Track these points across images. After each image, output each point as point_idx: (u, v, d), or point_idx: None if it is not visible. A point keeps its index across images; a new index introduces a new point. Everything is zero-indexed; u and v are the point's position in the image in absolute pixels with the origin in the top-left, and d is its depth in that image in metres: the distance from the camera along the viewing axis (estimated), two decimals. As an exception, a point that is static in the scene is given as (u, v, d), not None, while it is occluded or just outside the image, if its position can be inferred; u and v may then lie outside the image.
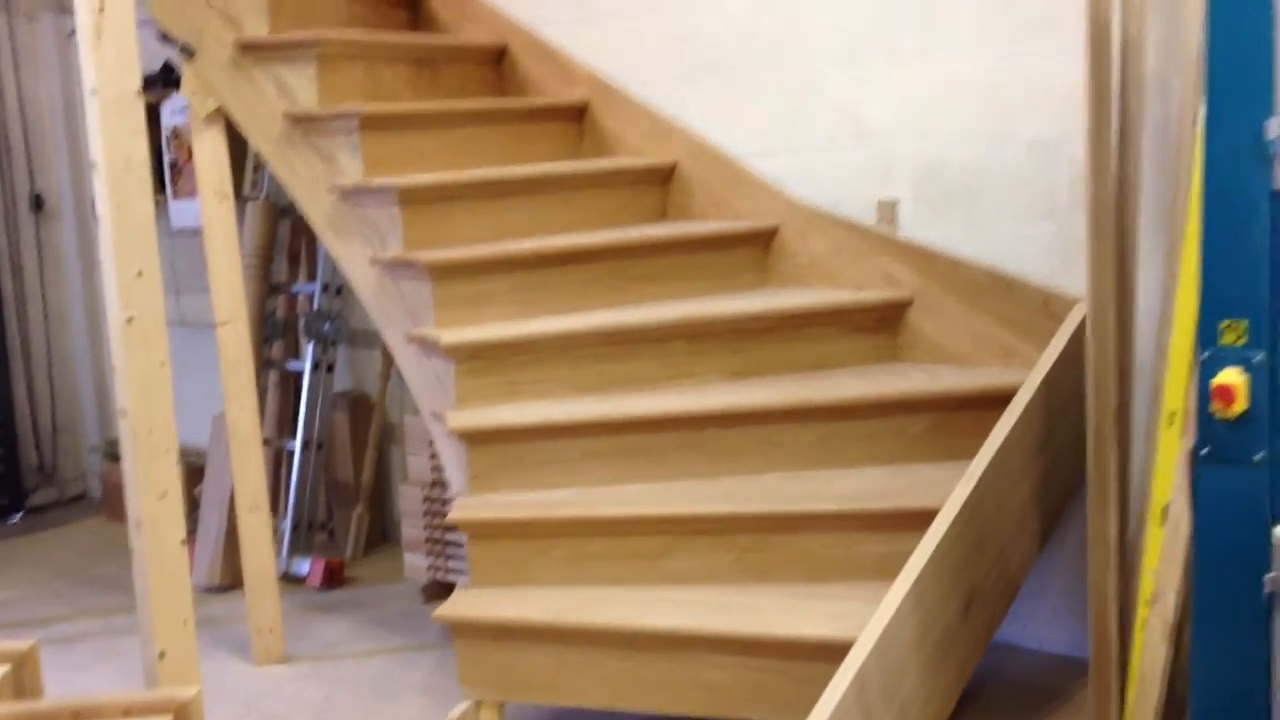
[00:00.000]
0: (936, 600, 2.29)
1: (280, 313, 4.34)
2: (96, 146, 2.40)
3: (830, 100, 3.23)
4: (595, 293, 3.12)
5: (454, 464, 2.92)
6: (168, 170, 4.66)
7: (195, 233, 4.57)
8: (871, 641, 2.12)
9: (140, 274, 2.19)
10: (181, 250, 5.00)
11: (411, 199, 3.02)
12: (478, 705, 2.67)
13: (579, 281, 3.10)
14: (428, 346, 2.96)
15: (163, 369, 2.10)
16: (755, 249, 3.31)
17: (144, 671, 2.41)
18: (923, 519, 2.42)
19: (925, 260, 3.05)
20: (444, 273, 2.95)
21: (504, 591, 2.73)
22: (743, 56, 3.35)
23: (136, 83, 2.46)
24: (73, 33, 3.02)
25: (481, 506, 2.78)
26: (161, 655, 2.16)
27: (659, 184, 3.48)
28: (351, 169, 3.10)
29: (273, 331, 4.29)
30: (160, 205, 4.85)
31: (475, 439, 2.83)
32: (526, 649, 2.62)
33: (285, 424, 4.34)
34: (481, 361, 2.90)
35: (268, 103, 3.14)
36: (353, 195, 3.10)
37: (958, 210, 3.06)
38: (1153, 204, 2.68)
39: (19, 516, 5.32)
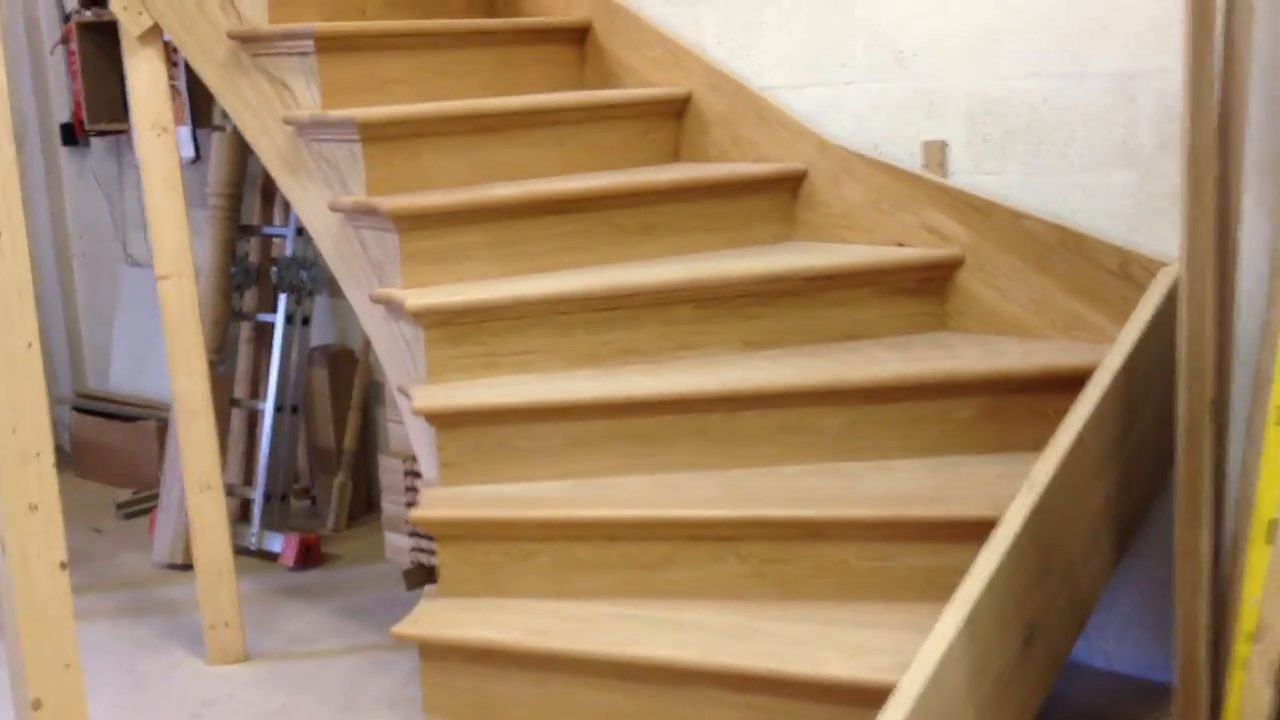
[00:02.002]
0: (993, 635, 1.86)
1: (253, 258, 3.90)
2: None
3: (868, 23, 2.74)
4: (588, 247, 2.68)
5: (424, 449, 2.51)
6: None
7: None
8: (915, 693, 1.70)
9: (-9, 234, 1.75)
10: (134, 186, 4.58)
11: (375, 134, 2.57)
12: (443, 737, 2.27)
13: (569, 234, 2.66)
14: (394, 309, 2.53)
15: (29, 352, 1.68)
16: (779, 196, 2.85)
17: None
18: (975, 530, 2.01)
19: (979, 212, 2.59)
20: (411, 222, 2.51)
21: (477, 604, 2.31)
22: (768, -29, 2.87)
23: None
24: None
25: (452, 502, 2.36)
26: (37, 705, 1.76)
27: (670, 119, 3.02)
28: (307, 98, 2.65)
29: (244, 279, 3.86)
30: (124, 135, 4.42)
31: (446, 421, 2.40)
32: (502, 676, 2.22)
33: (260, 382, 3.93)
34: (455, 328, 2.47)
35: (210, 20, 2.69)
36: (308, 129, 2.65)
37: (1018, 154, 2.59)
38: (1261, 149, 2.21)
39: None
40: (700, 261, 2.66)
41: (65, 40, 4.50)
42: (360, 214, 2.58)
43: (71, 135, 4.79)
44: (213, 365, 3.73)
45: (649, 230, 2.73)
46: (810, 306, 2.61)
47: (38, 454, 1.72)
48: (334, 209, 2.62)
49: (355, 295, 2.68)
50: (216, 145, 3.78)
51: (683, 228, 2.77)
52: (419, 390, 2.44)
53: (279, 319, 3.73)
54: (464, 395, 2.41)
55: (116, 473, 4.57)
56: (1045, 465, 1.98)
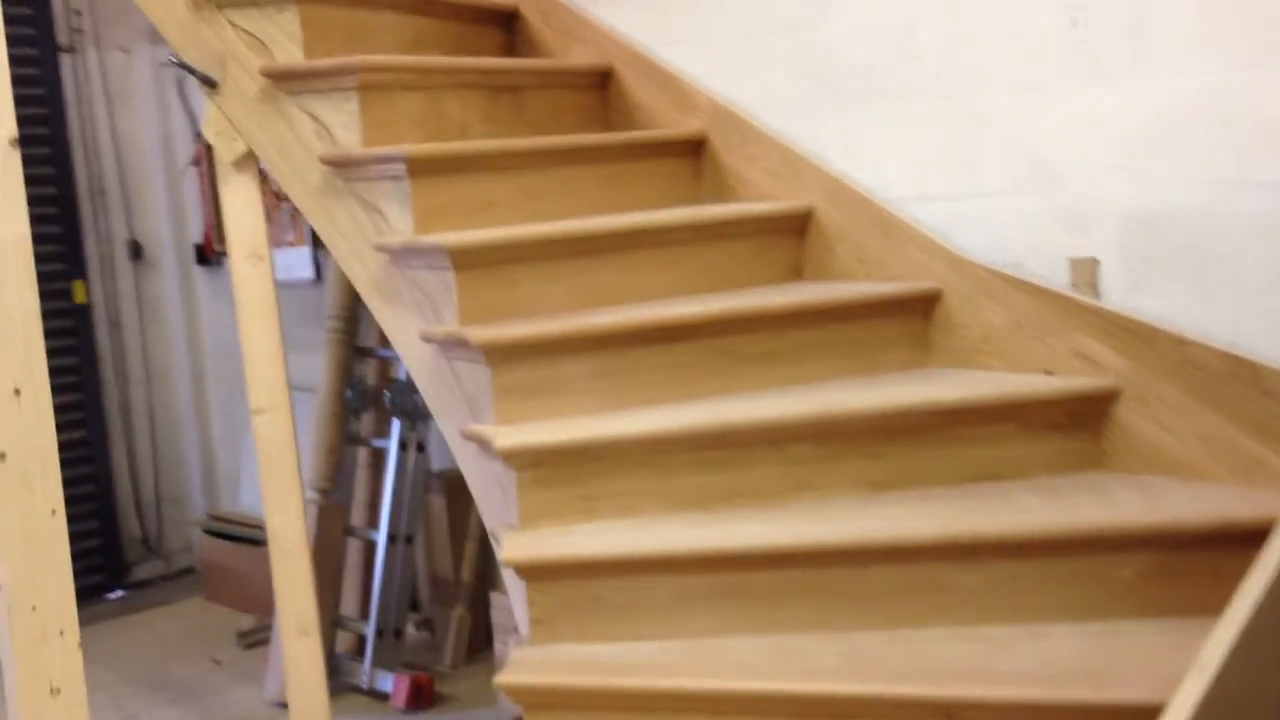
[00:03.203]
0: None
1: (370, 380, 3.79)
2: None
3: (1008, 132, 2.49)
4: (699, 378, 2.45)
5: (517, 599, 2.29)
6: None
7: (289, 285, 4.08)
8: None
9: (17, 392, 1.62)
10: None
11: (467, 260, 2.40)
12: None
13: (678, 363, 2.44)
14: (485, 447, 2.34)
15: (53, 520, 1.53)
16: (910, 319, 2.59)
17: None
18: (1137, 717, 1.69)
19: (1137, 338, 2.29)
20: (503, 354, 2.33)
21: (566, 783, 2.07)
22: (897, 79, 2.64)
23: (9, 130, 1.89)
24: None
25: (541, 666, 2.13)
26: None
27: (791, 236, 2.80)
28: (400, 223, 2.51)
29: (360, 403, 3.74)
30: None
31: (537, 573, 2.18)
32: None
33: (378, 510, 3.78)
34: (549, 469, 2.26)
35: (304, 144, 2.58)
36: (400, 255, 2.50)
37: (1181, 273, 2.29)
38: None
39: (120, 593, 4.92)
40: (820, 393, 2.41)
41: (196, 161, 4.53)
42: (452, 345, 2.41)
43: (204, 255, 4.81)
44: (325, 493, 3.61)
45: (766, 358, 2.50)
46: (945, 443, 2.34)
47: (61, 632, 1.57)
48: (426, 340, 2.46)
49: (449, 430, 2.50)
50: (334, 267, 3.69)
51: (804, 355, 2.53)
52: (509, 538, 2.23)
53: (393, 445, 3.59)
54: (556, 544, 2.19)
55: (244, 598, 4.47)
56: (1217, 645, 1.66)
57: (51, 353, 4.67)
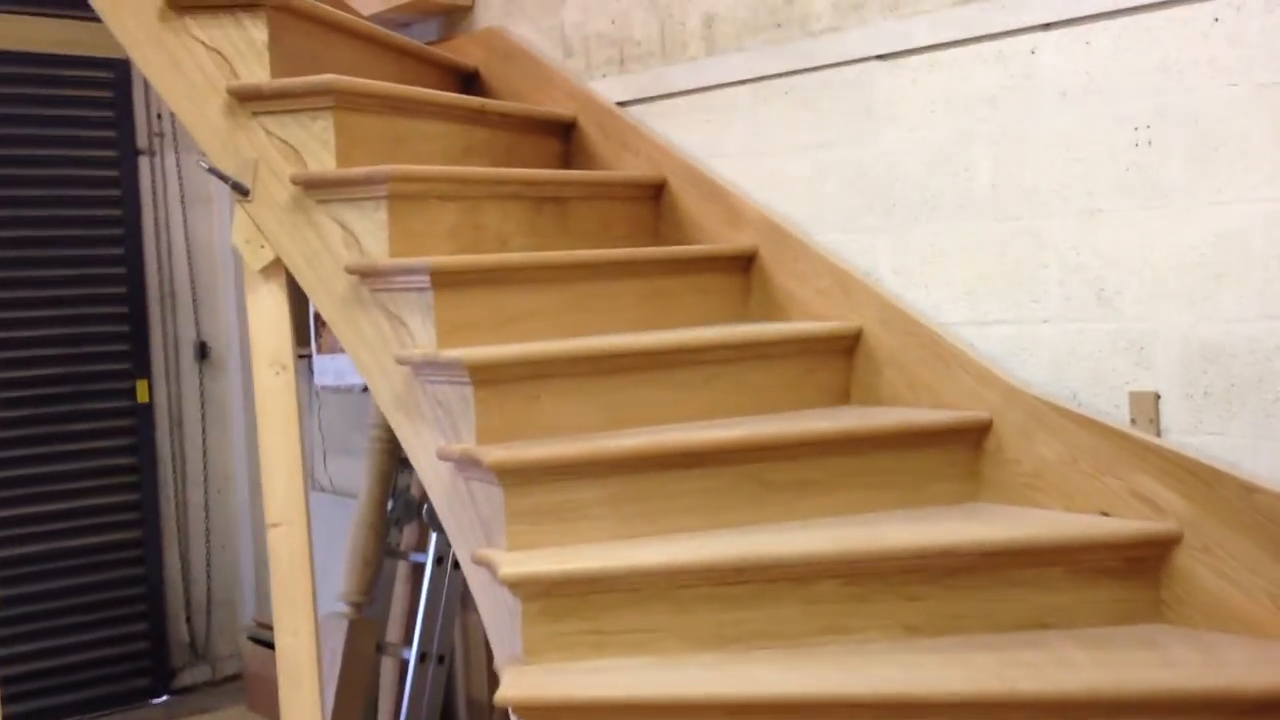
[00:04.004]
0: None
1: (414, 491, 3.70)
2: None
3: (1063, 253, 2.34)
4: (727, 507, 2.31)
5: (520, 739, 2.15)
6: (313, 321, 4.15)
7: (340, 391, 4.03)
8: None
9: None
10: (326, 409, 4.50)
11: (487, 376, 2.30)
12: None
13: (705, 491, 2.30)
14: (495, 574, 2.22)
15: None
16: (959, 450, 2.43)
17: None
18: None
19: (1201, 480, 2.10)
20: (517, 476, 2.21)
21: None
22: (951, 198, 2.52)
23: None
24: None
25: (535, 814, 1.98)
26: None
27: (838, 357, 2.66)
28: (424, 336, 2.42)
29: (403, 514, 3.64)
30: (305, 360, 4.36)
31: (537, 714, 2.04)
32: None
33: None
34: (557, 600, 2.12)
35: (332, 253, 2.51)
36: (421, 369, 2.41)
37: (1247, 411, 2.11)
38: None
39: (165, 698, 4.84)
40: (856, 526, 2.25)
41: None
42: (467, 464, 2.30)
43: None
44: (359, 607, 3.51)
45: (800, 488, 2.35)
46: (990, 586, 2.16)
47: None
48: (442, 457, 2.35)
49: (463, 554, 2.38)
50: (381, 374, 3.62)
51: (842, 485, 2.37)
52: (510, 673, 2.09)
53: (429, 559, 3.48)
54: (561, 683, 2.04)
55: (285, 707, 4.36)
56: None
57: (111, 452, 4.73)
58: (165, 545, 4.87)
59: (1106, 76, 2.27)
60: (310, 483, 4.68)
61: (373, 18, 3.65)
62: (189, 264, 4.86)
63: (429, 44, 3.65)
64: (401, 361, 2.43)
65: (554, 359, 2.37)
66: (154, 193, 4.82)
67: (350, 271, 2.48)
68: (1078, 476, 2.27)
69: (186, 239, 4.82)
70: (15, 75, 4.48)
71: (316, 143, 2.50)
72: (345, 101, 2.51)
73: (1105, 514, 2.23)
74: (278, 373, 2.57)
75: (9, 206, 4.47)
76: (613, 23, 3.19)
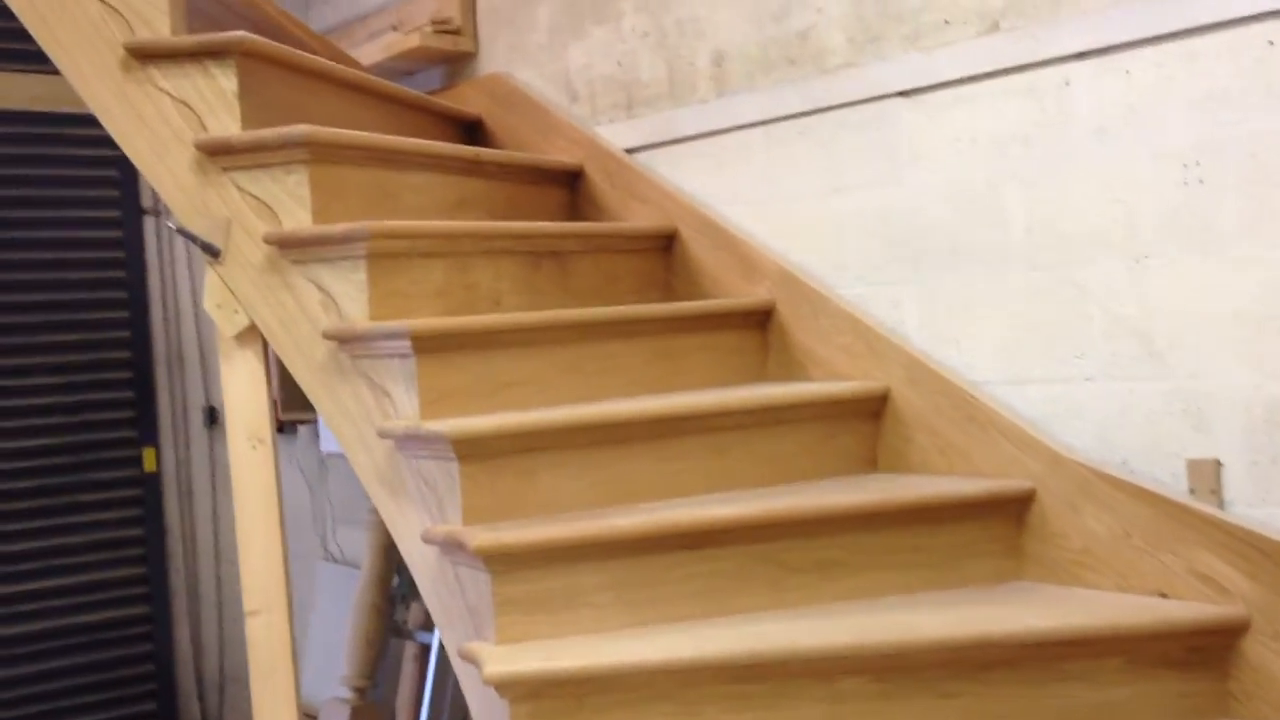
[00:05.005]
0: None
1: (422, 565, 3.49)
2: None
3: (1107, 303, 2.12)
4: (741, 591, 2.09)
5: None
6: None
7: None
8: None
9: None
10: (336, 476, 4.31)
11: (473, 450, 2.09)
12: None
13: (715, 574, 2.08)
14: (480, 670, 2.00)
15: None
16: (998, 524, 2.20)
17: None
18: None
19: (1269, 558, 1.86)
20: (505, 561, 2.00)
21: None
22: (983, 245, 2.30)
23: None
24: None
25: None
26: None
27: (864, 420, 2.44)
28: (407, 406, 2.22)
29: (409, 590, 3.44)
30: (311, 425, 4.18)
31: (526, 832, 1.82)
32: None
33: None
34: (550, 702, 1.90)
35: (309, 317, 2.33)
36: (404, 442, 2.21)
37: (1324, 480, 1.87)
38: None
39: (174, 778, 4.64)
40: (885, 613, 2.02)
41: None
42: (452, 548, 2.09)
43: (279, 423, 4.62)
44: (362, 692, 3.30)
45: (821, 569, 2.12)
46: (1036, 682, 1.92)
47: None
48: (426, 540, 2.15)
49: (451, 646, 2.17)
50: (385, 441, 3.43)
51: (867, 565, 2.15)
52: (498, 786, 1.87)
53: (435, 639, 3.27)
54: (554, 797, 1.82)
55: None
56: None
57: (117, 523, 4.55)
58: (175, 620, 4.68)
59: (1149, 109, 2.05)
60: (321, 553, 4.50)
61: (373, 67, 3.49)
62: (196, 326, 4.70)
63: (432, 93, 3.49)
64: (383, 434, 2.23)
65: (548, 429, 2.16)
66: (159, 253, 4.67)
67: (328, 337, 2.29)
68: (1131, 553, 2.03)
69: (194, 300, 4.66)
70: (15, 135, 4.36)
71: (291, 198, 2.32)
72: (322, 154, 2.33)
73: (1164, 595, 1.99)
74: (254, 446, 2.38)
75: (9, 270, 4.33)
76: (619, 65, 3.01)
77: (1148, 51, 2.05)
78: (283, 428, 4.48)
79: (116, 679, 4.52)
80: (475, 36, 3.44)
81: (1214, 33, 1.98)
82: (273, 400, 2.47)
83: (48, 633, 4.38)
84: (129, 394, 4.58)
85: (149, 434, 4.62)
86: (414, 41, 3.39)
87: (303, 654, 4.54)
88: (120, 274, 4.58)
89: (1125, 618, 1.93)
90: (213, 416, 4.77)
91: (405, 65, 3.56)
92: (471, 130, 3.38)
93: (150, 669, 4.59)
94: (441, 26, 3.42)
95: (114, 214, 4.57)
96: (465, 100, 3.41)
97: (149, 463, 4.61)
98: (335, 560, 4.38)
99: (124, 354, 4.58)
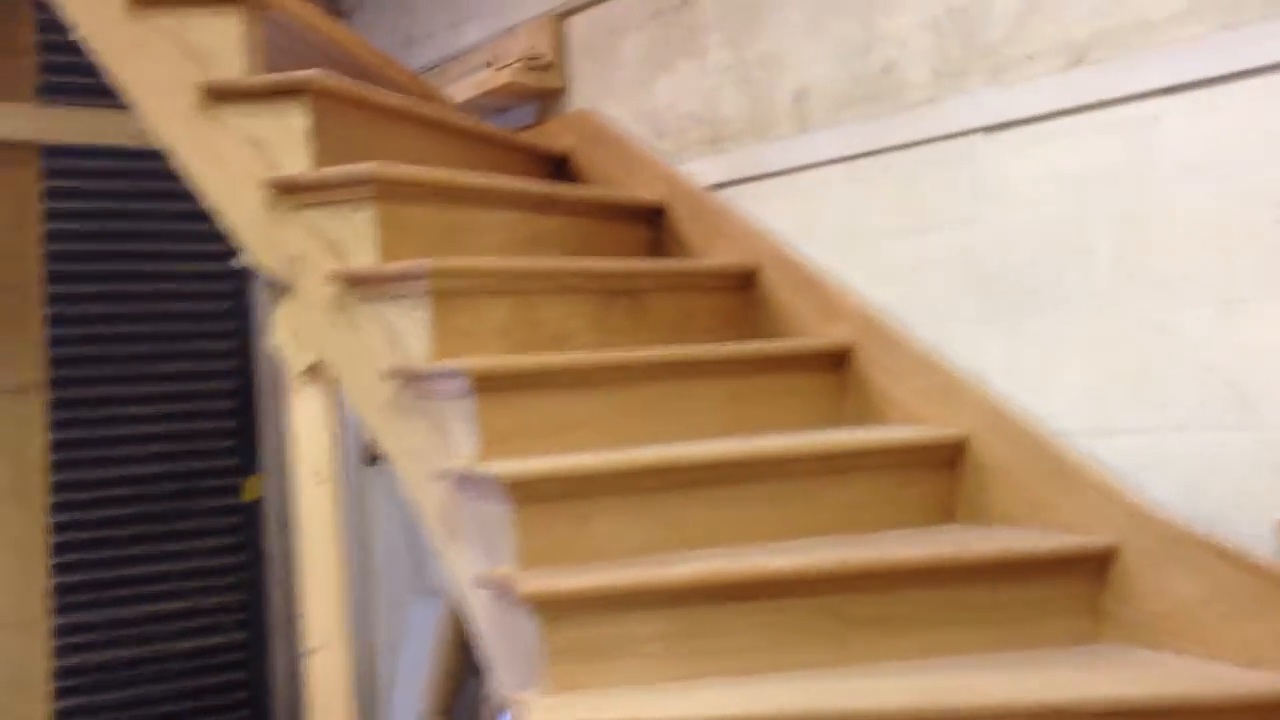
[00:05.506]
0: None
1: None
2: None
3: (1201, 351, 2.00)
4: (799, 644, 2.00)
5: None
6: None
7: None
8: None
9: None
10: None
11: (528, 494, 2.06)
12: None
13: (773, 626, 2.00)
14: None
15: None
16: (1078, 581, 2.08)
17: None
18: None
19: (1368, 630, 1.73)
20: (555, 608, 1.95)
21: None
22: (1068, 287, 2.19)
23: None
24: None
25: None
26: None
27: (940, 469, 2.34)
28: (466, 446, 2.19)
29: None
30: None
31: None
32: None
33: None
34: (596, 756, 1.85)
35: (373, 355, 2.32)
36: (461, 484, 2.18)
37: None
38: None
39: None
40: (949, 675, 1.92)
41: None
42: (505, 593, 2.05)
43: (373, 455, 4.65)
44: (438, 730, 3.27)
45: (885, 625, 2.03)
46: (1111, 753, 1.80)
47: None
48: (479, 585, 2.11)
49: (505, 691, 2.12)
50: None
51: (935, 621, 2.05)
52: (538, 842, 1.82)
53: (512, 680, 3.23)
54: None
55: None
56: None
57: (215, 551, 4.62)
58: (272, 648, 4.72)
59: (1242, 146, 1.94)
60: (416, 586, 4.50)
61: (466, 104, 3.51)
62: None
63: (524, 129, 3.49)
64: (441, 475, 2.20)
65: (606, 473, 2.11)
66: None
67: (390, 375, 2.27)
68: (1217, 620, 1.91)
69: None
70: (121, 170, 4.47)
71: (358, 236, 2.32)
72: (389, 191, 2.32)
73: (1252, 665, 1.86)
74: (319, 484, 2.37)
75: (116, 301, 4.44)
76: (703, 100, 2.96)
77: (1239, 85, 1.94)
78: (376, 460, 4.50)
79: (211, 706, 4.58)
80: (564, 72, 3.42)
81: (1311, 65, 1.86)
82: (339, 435, 2.46)
83: (145, 659, 4.45)
84: (231, 424, 4.65)
85: (249, 463, 4.68)
86: (504, 78, 3.39)
87: (392, 687, 4.55)
88: (226, 305, 4.66)
89: (1209, 689, 1.80)
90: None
91: (497, 102, 3.56)
92: (559, 166, 3.36)
93: (243, 696, 4.63)
94: (531, 63, 3.41)
95: (220, 246, 4.65)
96: (554, 136, 3.39)
97: (249, 491, 4.67)
98: (433, 594, 4.38)
99: (228, 384, 4.66)
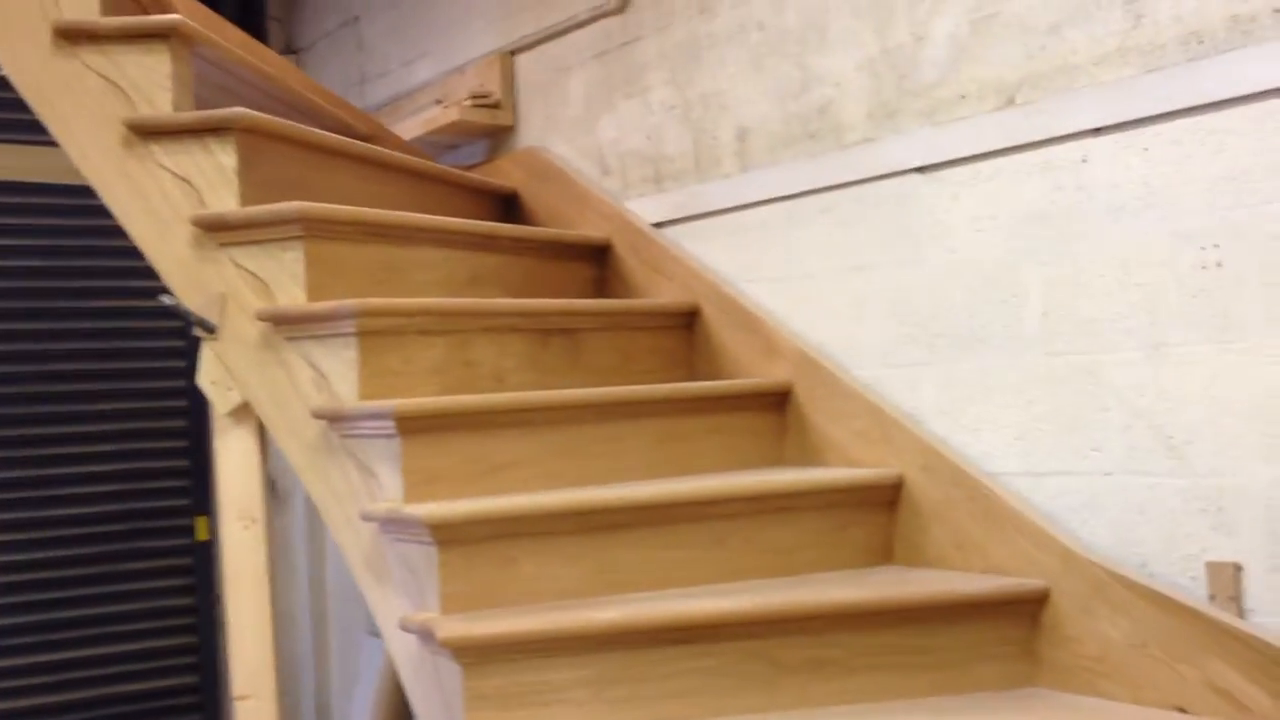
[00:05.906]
0: None
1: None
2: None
3: (1126, 395, 1.98)
4: (727, 691, 1.97)
5: None
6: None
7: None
8: None
9: None
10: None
11: (451, 535, 2.02)
12: None
13: (702, 671, 1.97)
14: (453, 770, 1.92)
15: None
16: (1012, 625, 2.06)
17: None
18: None
19: (1294, 675, 1.71)
20: (478, 653, 1.91)
21: None
22: (999, 329, 2.18)
23: None
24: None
25: None
26: None
27: (877, 510, 2.32)
28: (392, 488, 2.16)
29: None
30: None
31: None
32: None
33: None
34: (515, 807, 1.81)
35: (301, 395, 2.28)
36: (386, 526, 2.15)
37: (1350, 592, 1.71)
38: None
39: None
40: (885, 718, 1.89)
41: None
42: (427, 638, 2.01)
43: (327, 494, 4.60)
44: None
45: (817, 669, 2.00)
46: (1037, 800, 1.78)
47: None
48: (403, 628, 2.07)
49: (430, 740, 2.08)
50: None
51: (868, 665, 2.02)
52: None
53: (456, 724, 3.18)
54: None
55: None
56: None
57: (166, 592, 4.55)
58: (224, 692, 4.65)
59: (1167, 188, 1.93)
60: (367, 626, 4.44)
61: (415, 140, 3.49)
62: (252, 396, 4.71)
63: (472, 166, 3.47)
64: (366, 517, 2.17)
65: (533, 514, 2.08)
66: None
67: (316, 415, 2.24)
68: (1147, 663, 1.88)
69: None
70: (63, 206, 4.41)
71: (287, 275, 2.29)
72: (318, 230, 2.30)
73: (1181, 710, 1.84)
74: (246, 526, 2.33)
75: (65, 339, 4.39)
76: (648, 138, 2.96)
77: (1165, 127, 1.93)
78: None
79: (162, 748, 4.51)
80: (514, 110, 3.41)
81: (1235, 107, 1.85)
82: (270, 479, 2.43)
83: (96, 700, 4.38)
84: (183, 462, 4.60)
85: (203, 502, 4.63)
86: (453, 115, 3.38)
87: (346, 728, 4.49)
88: (178, 343, 4.61)
89: (1138, 734, 1.78)
90: (272, 487, 4.77)
91: (447, 139, 3.54)
92: (508, 203, 3.34)
93: (196, 739, 4.56)
94: (479, 100, 3.40)
95: (179, 344, 4.61)
96: (503, 174, 3.38)
97: (201, 531, 4.61)
98: (379, 635, 4.32)
99: (180, 422, 4.60)
